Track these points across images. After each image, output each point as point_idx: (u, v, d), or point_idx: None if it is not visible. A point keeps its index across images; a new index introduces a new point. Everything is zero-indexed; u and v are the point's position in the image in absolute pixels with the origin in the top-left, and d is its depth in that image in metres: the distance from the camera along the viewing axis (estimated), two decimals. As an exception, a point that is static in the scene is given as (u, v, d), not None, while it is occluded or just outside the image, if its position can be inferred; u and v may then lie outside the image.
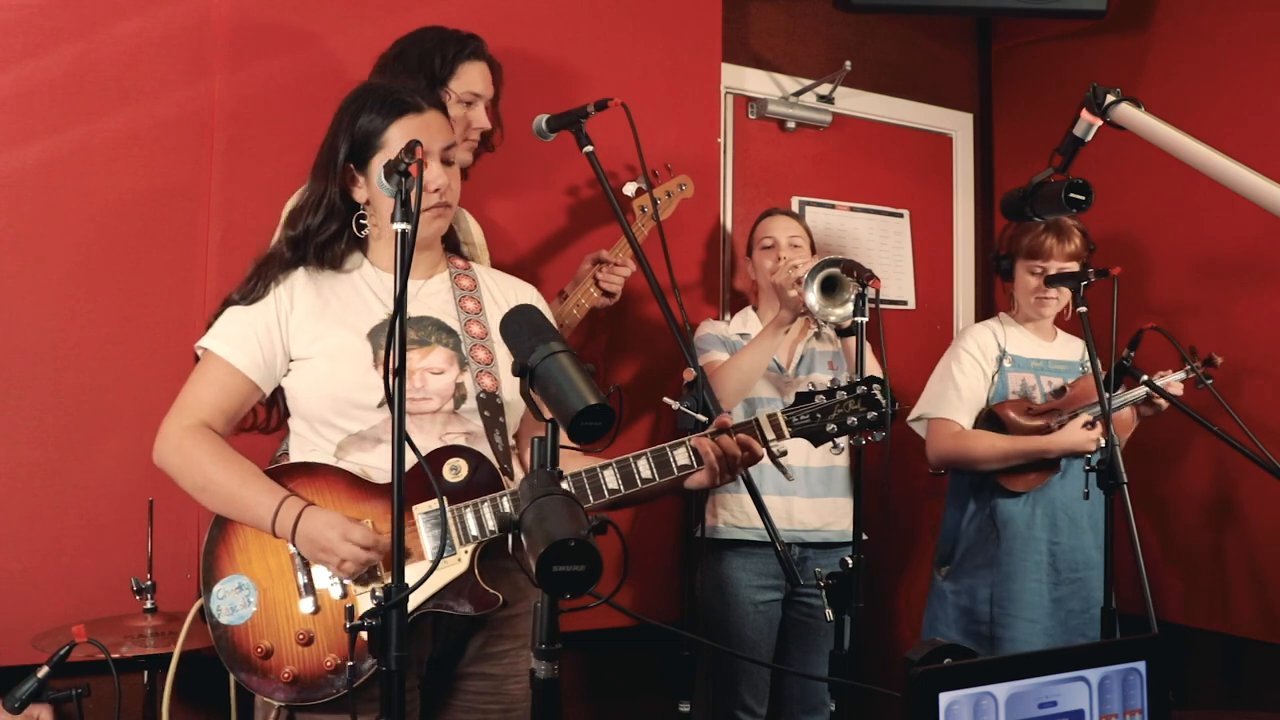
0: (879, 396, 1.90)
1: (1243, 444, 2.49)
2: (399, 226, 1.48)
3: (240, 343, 1.80)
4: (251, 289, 1.83)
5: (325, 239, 1.84)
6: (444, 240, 1.96)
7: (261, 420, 1.92)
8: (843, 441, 1.90)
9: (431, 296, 1.90)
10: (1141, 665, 1.20)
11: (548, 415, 1.31)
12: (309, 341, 1.80)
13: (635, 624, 2.82)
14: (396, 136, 1.78)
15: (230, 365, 1.79)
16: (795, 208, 3.58)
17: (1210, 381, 2.73)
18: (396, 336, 1.43)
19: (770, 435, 1.86)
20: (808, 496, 2.86)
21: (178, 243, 2.49)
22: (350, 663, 1.57)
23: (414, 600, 1.68)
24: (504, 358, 1.87)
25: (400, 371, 1.44)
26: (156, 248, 2.46)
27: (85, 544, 2.37)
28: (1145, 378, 2.66)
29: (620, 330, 3.06)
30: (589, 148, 2.39)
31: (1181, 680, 3.29)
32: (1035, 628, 2.72)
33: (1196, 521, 3.27)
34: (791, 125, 3.59)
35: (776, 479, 2.84)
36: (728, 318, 3.09)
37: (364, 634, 1.46)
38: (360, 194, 1.84)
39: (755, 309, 3.05)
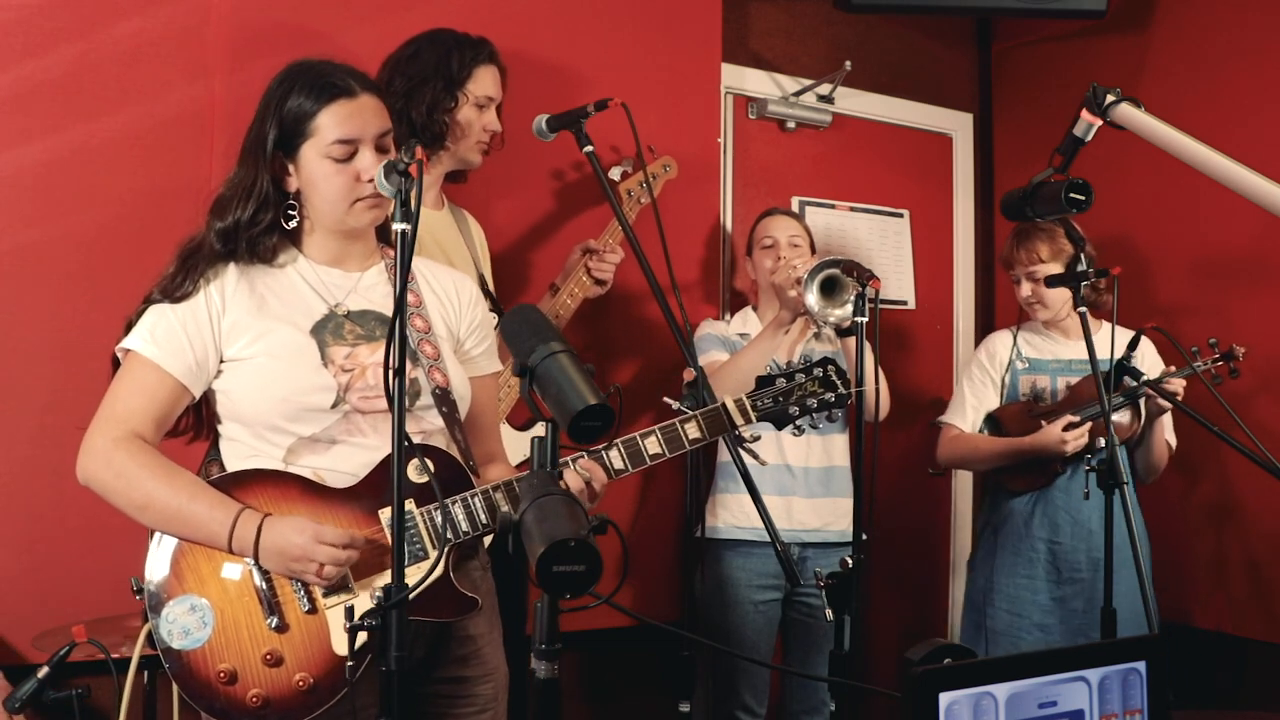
0: (834, 378, 1.94)
1: (1243, 444, 2.49)
2: (399, 227, 1.44)
3: (169, 344, 1.66)
4: (178, 285, 1.68)
5: (258, 232, 1.71)
6: (376, 230, 1.84)
7: (186, 426, 1.76)
8: (804, 423, 1.93)
9: (370, 289, 1.79)
10: (1141, 665, 1.20)
11: (548, 415, 1.31)
12: (249, 341, 1.68)
13: (635, 624, 2.82)
14: (327, 123, 1.67)
15: (159, 368, 1.65)
16: (795, 208, 3.58)
17: (1237, 375, 2.73)
18: (397, 338, 1.39)
19: (739, 420, 1.87)
20: (807, 497, 2.87)
21: (178, 243, 2.48)
22: (350, 663, 1.48)
23: None
24: (449, 353, 1.82)
25: (400, 372, 1.41)
26: (156, 248, 2.41)
27: (85, 544, 2.36)
28: (1144, 378, 2.66)
29: (620, 330, 3.06)
30: (589, 148, 2.39)
31: (1183, 681, 3.29)
32: (1021, 622, 2.78)
33: (1197, 522, 3.27)
34: (791, 125, 3.59)
35: (777, 478, 2.85)
36: (728, 317, 3.09)
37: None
38: (291, 183, 1.72)
39: (755, 309, 3.05)
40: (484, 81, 2.38)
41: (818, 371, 1.94)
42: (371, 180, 1.67)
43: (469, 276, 1.97)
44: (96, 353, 2.38)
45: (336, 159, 1.68)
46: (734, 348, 2.86)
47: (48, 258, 2.37)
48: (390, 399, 1.42)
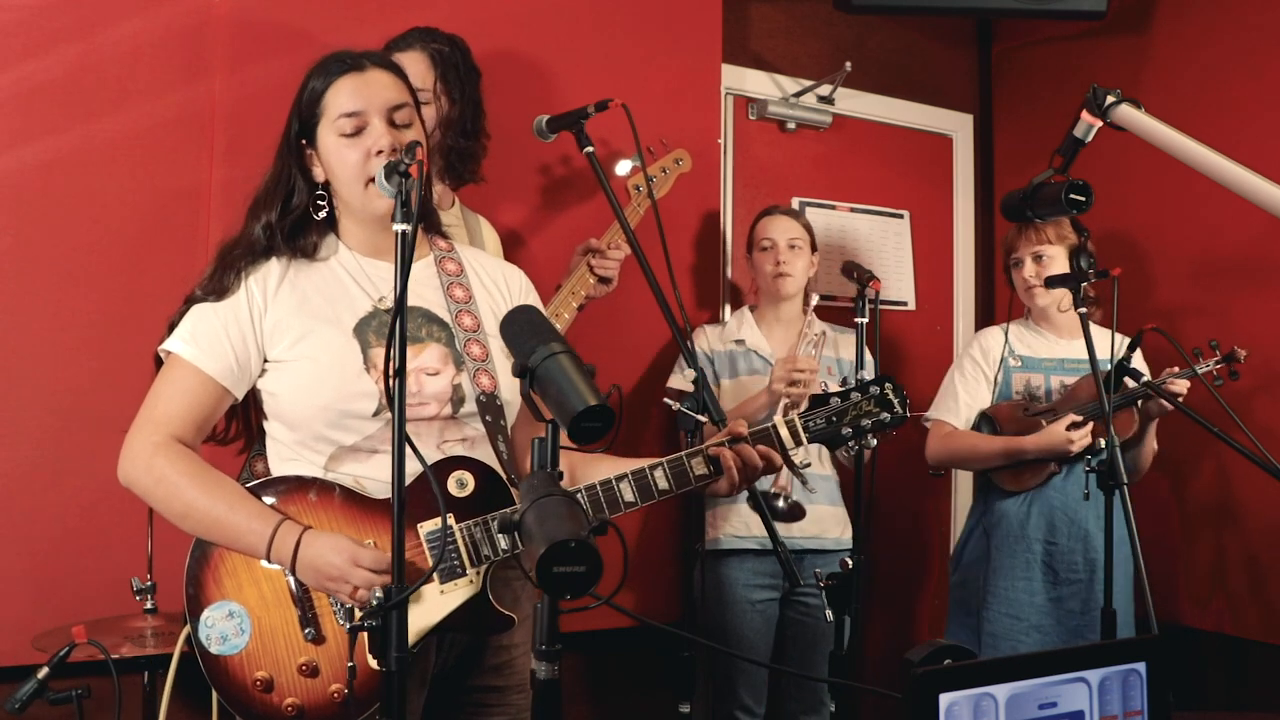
0: (892, 397, 1.79)
1: (1244, 446, 2.49)
2: (399, 228, 1.41)
3: (210, 345, 1.63)
4: (219, 284, 1.66)
5: (291, 225, 1.69)
6: (425, 220, 1.78)
7: (220, 432, 1.75)
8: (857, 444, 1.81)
9: (417, 284, 1.73)
10: (1141, 666, 1.20)
11: (548, 416, 1.31)
12: (291, 342, 1.65)
13: (635, 624, 2.82)
14: (334, 100, 1.65)
15: (200, 371, 1.63)
16: (795, 208, 3.58)
17: (1237, 378, 2.72)
18: (397, 340, 1.37)
19: (789, 443, 1.76)
20: (805, 502, 2.86)
21: (178, 243, 2.48)
22: (351, 663, 1.47)
23: (425, 624, 1.60)
24: (498, 352, 1.76)
25: (400, 373, 1.40)
26: (156, 248, 2.46)
27: (85, 544, 2.36)
28: (1145, 379, 2.65)
29: (620, 331, 3.06)
30: (589, 149, 2.38)
31: (1183, 681, 3.29)
32: (1019, 624, 2.74)
33: (1198, 523, 3.27)
34: (792, 126, 3.59)
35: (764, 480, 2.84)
36: (725, 314, 3.09)
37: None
38: (318, 172, 1.70)
39: (753, 309, 3.05)
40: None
41: (874, 390, 1.80)
42: (381, 153, 1.63)
43: (516, 268, 1.91)
44: (98, 353, 2.40)
45: (346, 134, 1.65)
46: (721, 360, 2.85)
47: (48, 258, 2.37)
48: (391, 400, 1.40)
